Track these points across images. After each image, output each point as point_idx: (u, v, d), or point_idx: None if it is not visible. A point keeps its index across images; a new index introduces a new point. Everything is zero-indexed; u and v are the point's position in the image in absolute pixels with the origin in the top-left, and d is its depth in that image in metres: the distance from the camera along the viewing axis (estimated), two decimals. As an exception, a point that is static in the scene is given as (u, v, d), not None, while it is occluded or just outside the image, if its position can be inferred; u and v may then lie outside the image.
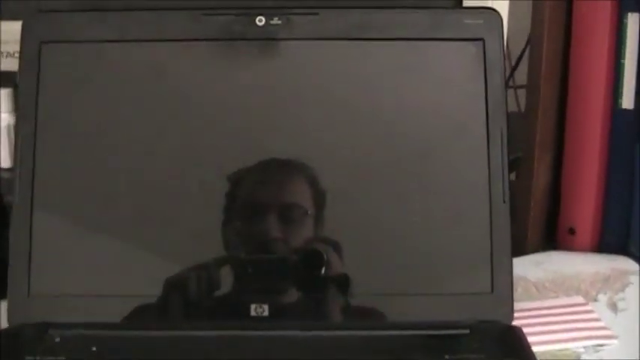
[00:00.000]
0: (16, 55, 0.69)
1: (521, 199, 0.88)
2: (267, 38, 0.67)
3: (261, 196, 0.66)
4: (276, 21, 0.67)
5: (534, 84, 0.86)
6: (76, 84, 0.68)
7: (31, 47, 0.67)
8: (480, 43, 0.67)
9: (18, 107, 0.69)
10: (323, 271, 0.65)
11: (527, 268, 0.83)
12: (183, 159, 0.67)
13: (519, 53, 1.02)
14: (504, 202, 0.66)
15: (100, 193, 0.67)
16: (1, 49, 0.74)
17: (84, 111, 0.68)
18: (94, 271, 0.66)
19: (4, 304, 0.65)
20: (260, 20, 0.67)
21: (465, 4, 0.73)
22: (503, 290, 0.65)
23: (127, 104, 0.68)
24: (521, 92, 1.07)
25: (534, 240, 0.90)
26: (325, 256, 0.65)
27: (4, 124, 0.80)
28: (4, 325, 0.65)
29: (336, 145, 0.68)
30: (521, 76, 1.00)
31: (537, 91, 0.85)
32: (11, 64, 0.74)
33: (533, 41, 0.86)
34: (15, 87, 0.79)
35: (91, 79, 0.68)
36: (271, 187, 0.67)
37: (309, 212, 0.66)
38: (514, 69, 1.02)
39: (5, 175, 0.80)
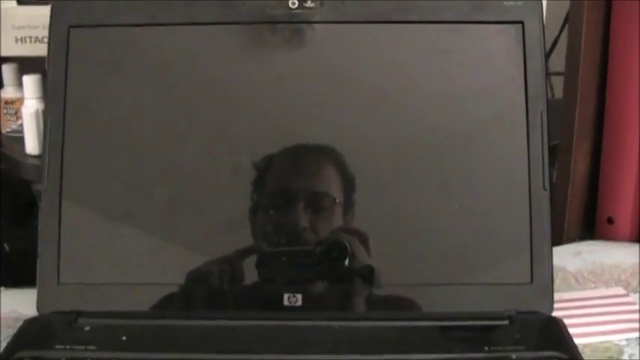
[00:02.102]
0: (45, 40, 0.68)
1: (558, 188, 0.86)
2: (301, 21, 0.65)
3: (291, 184, 0.65)
4: (309, 3, 0.65)
5: (573, 70, 0.83)
6: (105, 69, 0.66)
7: (59, 32, 0.66)
8: (520, 26, 0.65)
9: (47, 93, 0.67)
10: (349, 261, 0.63)
11: (566, 258, 0.81)
12: (214, 146, 0.66)
13: (553, 39, 1.00)
14: (545, 189, 0.64)
15: (130, 181, 0.66)
16: (29, 34, 0.73)
17: (114, 97, 0.66)
18: (124, 259, 0.65)
19: (33, 293, 0.64)
20: (293, 3, 0.65)
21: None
22: (543, 280, 0.64)
23: (157, 90, 0.67)
24: (555, 79, 1.05)
25: (572, 229, 0.87)
26: (349, 247, 0.63)
27: (31, 110, 0.78)
28: (34, 313, 0.64)
29: (370, 132, 0.66)
30: (553, 62, 0.98)
31: (576, 77, 0.83)
32: (39, 50, 0.72)
33: (572, 26, 0.83)
34: (43, 73, 0.78)
35: (120, 65, 0.66)
36: (301, 175, 0.65)
37: (337, 200, 0.64)
38: (548, 55, 1.00)
39: (33, 162, 0.79)
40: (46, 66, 0.67)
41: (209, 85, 0.66)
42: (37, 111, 0.78)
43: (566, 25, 0.90)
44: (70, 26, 0.66)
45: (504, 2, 0.65)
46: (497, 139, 0.65)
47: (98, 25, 0.66)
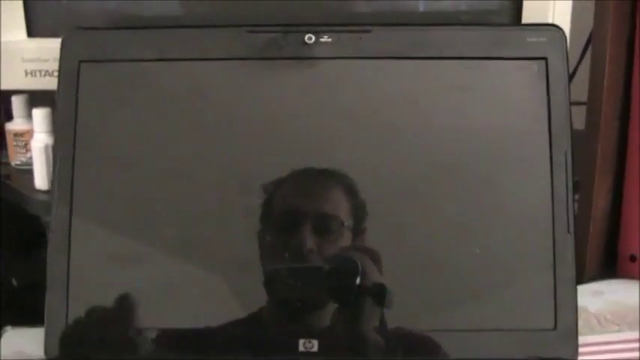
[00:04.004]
0: (55, 74, 0.67)
1: (579, 224, 0.83)
2: (317, 57, 0.63)
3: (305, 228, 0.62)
4: (326, 39, 0.63)
5: (595, 102, 0.81)
6: (115, 104, 0.65)
7: (69, 66, 0.65)
8: (543, 62, 0.63)
9: (56, 128, 0.66)
10: (366, 312, 0.61)
11: (587, 297, 0.79)
12: (225, 182, 0.64)
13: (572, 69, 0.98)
14: (569, 232, 0.62)
15: (140, 217, 0.64)
16: (39, 68, 0.71)
17: (124, 132, 0.65)
18: (135, 300, 0.63)
19: (41, 332, 0.62)
20: (309, 38, 0.63)
21: (525, 19, 0.68)
22: (567, 327, 0.61)
23: (168, 126, 0.65)
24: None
25: (592, 267, 0.85)
26: (369, 300, 0.61)
27: (40, 145, 0.77)
28: (41, 354, 0.62)
29: (386, 169, 0.64)
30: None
31: (599, 110, 0.81)
32: (49, 83, 0.71)
33: (594, 60, 0.81)
34: (53, 107, 0.76)
35: (131, 100, 0.65)
36: (315, 218, 0.63)
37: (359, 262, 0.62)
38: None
39: (42, 197, 0.77)
40: (56, 100, 0.66)
41: (220, 121, 0.65)
42: (47, 146, 0.76)
43: (585, 54, 0.87)
44: (81, 61, 0.65)
45: (527, 38, 0.63)
46: (519, 179, 0.63)
47: (109, 60, 0.65)
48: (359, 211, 0.63)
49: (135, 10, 0.71)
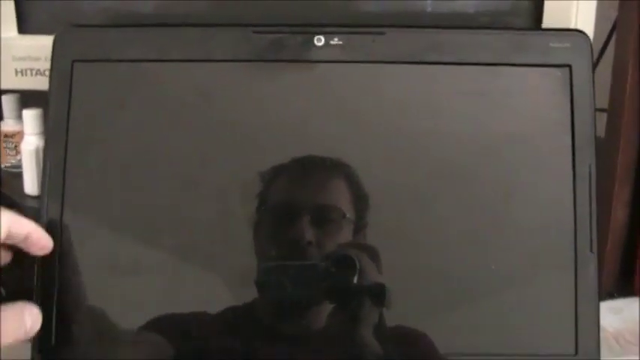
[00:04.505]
0: (47, 73, 0.63)
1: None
2: (327, 60, 0.59)
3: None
4: (336, 41, 0.59)
5: (617, 109, 0.77)
6: (110, 107, 0.61)
7: (62, 66, 0.61)
8: (567, 69, 0.59)
9: (47, 130, 0.62)
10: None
11: (604, 316, 0.74)
12: (225, 191, 0.60)
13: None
14: (592, 252, 0.58)
15: (135, 223, 0.60)
16: (31, 67, 0.67)
17: (119, 136, 0.61)
18: (128, 307, 0.59)
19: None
20: (319, 40, 0.59)
21: (545, 21, 0.64)
22: (589, 352, 0.58)
23: (166, 129, 0.61)
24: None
25: (609, 283, 0.81)
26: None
27: (30, 147, 0.72)
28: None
29: (398, 176, 0.60)
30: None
31: (620, 117, 0.77)
32: (40, 83, 0.67)
33: (617, 61, 0.77)
34: (44, 108, 0.73)
35: (127, 102, 0.61)
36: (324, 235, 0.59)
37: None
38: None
39: (32, 203, 0.73)
40: (48, 101, 0.62)
41: (222, 126, 0.61)
42: (37, 148, 0.72)
43: (600, 60, 0.83)
44: (74, 60, 0.61)
45: (550, 44, 0.59)
46: (539, 193, 0.59)
47: (104, 59, 0.61)
48: (361, 205, 0.59)
49: (133, 7, 0.67)
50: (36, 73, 0.68)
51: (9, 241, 0.53)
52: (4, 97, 0.80)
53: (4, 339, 0.50)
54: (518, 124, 0.60)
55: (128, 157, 0.61)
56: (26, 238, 0.54)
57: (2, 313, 0.50)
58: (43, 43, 0.64)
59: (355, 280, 0.57)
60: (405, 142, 0.60)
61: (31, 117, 0.73)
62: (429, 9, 0.65)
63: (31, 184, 0.73)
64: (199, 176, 0.60)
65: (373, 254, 0.58)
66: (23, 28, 0.68)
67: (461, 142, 0.60)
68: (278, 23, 0.60)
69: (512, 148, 0.60)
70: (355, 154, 0.59)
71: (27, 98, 0.78)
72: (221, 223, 0.60)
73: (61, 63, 0.61)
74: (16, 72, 0.68)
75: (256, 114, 0.60)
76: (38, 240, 0.55)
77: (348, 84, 0.60)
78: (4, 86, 0.70)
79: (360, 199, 0.59)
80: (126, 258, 0.60)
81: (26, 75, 0.68)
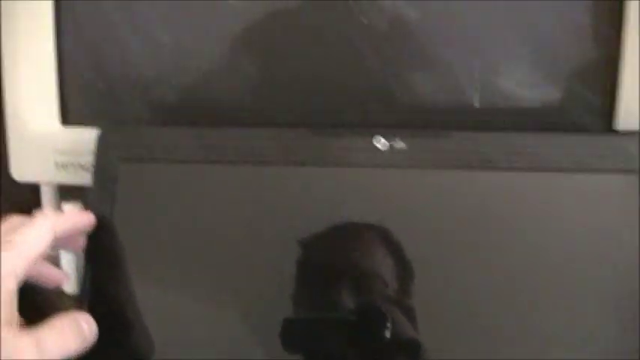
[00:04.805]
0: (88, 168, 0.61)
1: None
2: (388, 165, 0.56)
3: None
4: (400, 144, 0.55)
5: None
6: (155, 209, 0.58)
7: (107, 164, 0.59)
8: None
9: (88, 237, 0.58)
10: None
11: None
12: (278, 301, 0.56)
13: None
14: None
15: (179, 330, 0.57)
16: (72, 161, 0.64)
17: (164, 241, 0.58)
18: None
19: None
20: (381, 142, 0.55)
21: (619, 124, 0.60)
22: None
23: (217, 235, 0.58)
24: None
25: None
26: None
27: (70, 245, 0.69)
28: None
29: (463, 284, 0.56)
30: None
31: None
32: (81, 178, 0.64)
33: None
34: (84, 202, 0.70)
35: (174, 205, 0.58)
36: None
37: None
38: None
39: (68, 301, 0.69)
40: (89, 200, 0.59)
41: (276, 234, 0.57)
42: (77, 247, 0.68)
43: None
44: (120, 158, 0.58)
45: (624, 147, 0.55)
46: (607, 309, 0.55)
47: (150, 160, 0.58)
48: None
49: (181, 100, 0.64)
50: (78, 168, 0.65)
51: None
52: (43, 187, 0.77)
53: (66, 347, 0.49)
54: (584, 233, 0.55)
55: (172, 264, 0.58)
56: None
57: (58, 322, 0.50)
58: (86, 136, 0.62)
59: (387, 334, 0.53)
60: (466, 247, 0.56)
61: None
62: (486, 104, 0.61)
63: (68, 286, 0.70)
64: (242, 283, 0.57)
65: (408, 311, 0.54)
66: (66, 119, 0.66)
67: (525, 250, 0.56)
68: (335, 123, 0.56)
69: (577, 258, 0.55)
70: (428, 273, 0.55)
71: (66, 189, 0.74)
72: (261, 286, 0.56)
73: (106, 161, 0.59)
74: (57, 165, 0.65)
75: (311, 220, 0.56)
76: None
77: (409, 192, 0.56)
78: (45, 179, 0.67)
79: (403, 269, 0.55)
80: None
81: (67, 169, 0.65)
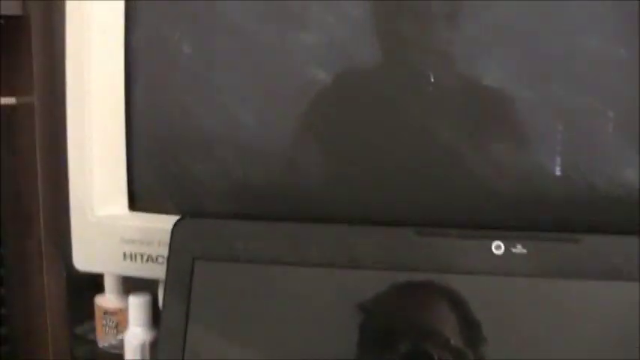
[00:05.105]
0: (159, 260, 0.55)
1: None
2: (507, 274, 0.48)
3: None
4: (520, 249, 0.48)
5: None
6: (229, 310, 0.52)
7: (182, 262, 0.53)
8: None
9: (161, 332, 0.52)
10: None
11: None
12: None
13: None
14: None
15: None
16: (141, 251, 0.58)
17: (236, 343, 0.52)
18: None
19: None
20: (498, 247, 0.48)
21: None
22: None
23: (293, 340, 0.51)
24: None
25: None
26: None
27: (135, 342, 0.62)
28: None
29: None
30: None
31: None
32: (151, 270, 0.57)
33: None
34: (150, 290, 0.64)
35: (248, 306, 0.52)
36: None
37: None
38: None
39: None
40: (162, 299, 0.53)
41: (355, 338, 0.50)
42: (144, 344, 0.62)
43: None
44: (195, 258, 0.52)
45: None
46: None
47: (228, 259, 0.52)
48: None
49: (259, 182, 0.57)
50: (147, 259, 0.58)
51: None
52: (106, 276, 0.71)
53: None
54: None
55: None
56: None
57: None
58: (156, 224, 0.56)
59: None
60: None
61: (137, 306, 0.63)
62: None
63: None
64: None
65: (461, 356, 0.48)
66: (135, 204, 0.60)
67: None
68: (445, 223, 0.49)
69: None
70: None
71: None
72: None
73: (180, 259, 0.53)
74: (125, 256, 0.59)
75: (412, 330, 0.49)
76: None
77: (532, 301, 0.48)
78: (111, 270, 0.62)
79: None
80: None
81: (136, 260, 0.59)
